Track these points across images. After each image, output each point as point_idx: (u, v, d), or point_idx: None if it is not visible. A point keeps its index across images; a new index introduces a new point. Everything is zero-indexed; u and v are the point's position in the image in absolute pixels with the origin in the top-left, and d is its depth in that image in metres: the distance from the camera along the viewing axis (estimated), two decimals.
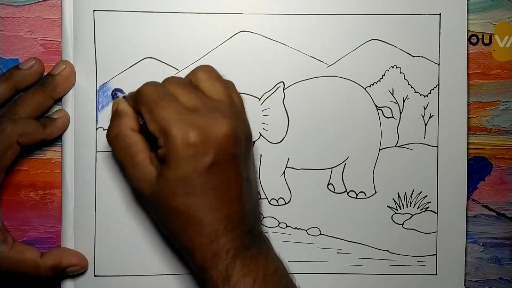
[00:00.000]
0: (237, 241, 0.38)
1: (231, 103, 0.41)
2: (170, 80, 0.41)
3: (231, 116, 0.39)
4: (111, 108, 0.43)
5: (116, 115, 0.41)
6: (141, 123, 0.41)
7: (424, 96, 0.47)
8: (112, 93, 0.45)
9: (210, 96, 0.41)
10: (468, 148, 0.47)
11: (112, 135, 0.41)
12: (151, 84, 0.40)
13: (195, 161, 0.37)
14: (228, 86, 0.42)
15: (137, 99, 0.40)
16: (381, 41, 0.46)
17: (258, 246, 0.40)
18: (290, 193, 0.47)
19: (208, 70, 0.42)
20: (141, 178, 0.40)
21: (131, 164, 0.40)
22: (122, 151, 0.40)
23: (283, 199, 0.47)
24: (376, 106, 0.47)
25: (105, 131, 0.45)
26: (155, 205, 0.40)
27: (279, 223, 0.47)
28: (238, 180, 0.39)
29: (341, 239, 0.47)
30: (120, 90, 0.45)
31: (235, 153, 0.39)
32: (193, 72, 0.42)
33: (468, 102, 0.47)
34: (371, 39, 0.46)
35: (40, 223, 0.47)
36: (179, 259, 0.46)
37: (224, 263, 0.38)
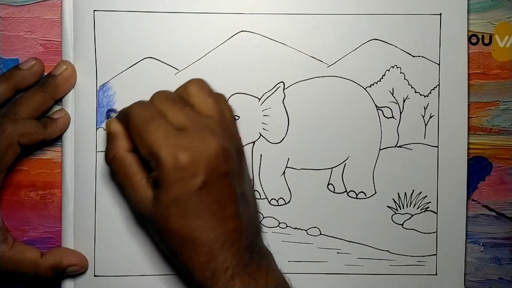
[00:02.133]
0: (235, 259, 0.38)
1: (222, 119, 0.41)
2: (158, 96, 0.41)
3: (221, 132, 0.39)
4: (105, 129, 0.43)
5: (110, 137, 0.41)
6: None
7: (424, 96, 0.47)
8: (106, 114, 0.45)
9: (200, 111, 0.40)
10: (468, 148, 0.47)
11: (109, 158, 0.41)
12: (138, 106, 0.40)
13: (186, 183, 0.37)
14: (219, 100, 0.42)
15: (126, 122, 0.40)
16: (381, 41, 0.46)
17: (258, 262, 0.39)
18: (290, 193, 0.47)
19: (199, 84, 0.42)
20: (138, 200, 0.40)
21: (128, 186, 0.40)
22: (119, 173, 0.41)
23: (283, 199, 0.47)
24: (376, 106, 0.47)
25: (105, 131, 0.46)
26: (153, 226, 0.40)
27: (279, 223, 0.47)
28: (232, 197, 0.39)
29: (341, 239, 0.47)
30: (114, 110, 0.45)
31: (226, 170, 0.38)
32: (184, 86, 0.42)
33: (468, 102, 0.47)
34: (371, 39, 0.46)
35: (40, 223, 0.47)
36: None
37: (223, 282, 0.38)
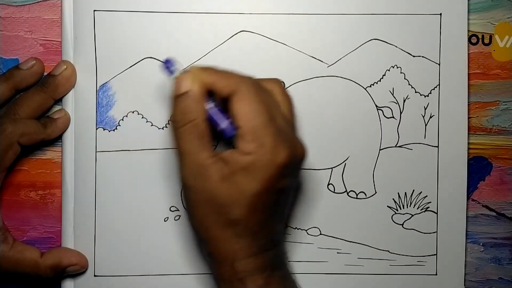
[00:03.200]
0: (270, 261, 0.38)
1: (294, 124, 0.41)
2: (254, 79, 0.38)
3: (297, 139, 0.39)
4: (173, 85, 0.37)
5: (187, 97, 0.36)
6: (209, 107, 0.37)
7: (425, 96, 0.47)
8: (165, 65, 0.38)
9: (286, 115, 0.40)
10: (468, 148, 0.47)
11: (183, 122, 0.36)
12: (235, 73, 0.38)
13: (277, 182, 0.36)
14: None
15: (224, 83, 0.37)
16: (382, 41, 0.46)
17: (282, 277, 0.39)
18: None
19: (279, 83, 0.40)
20: (200, 177, 0.36)
21: (192, 160, 0.36)
22: (191, 143, 0.36)
23: None
24: (376, 106, 0.47)
25: (105, 131, 0.45)
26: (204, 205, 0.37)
27: None
28: (285, 209, 0.40)
29: (341, 239, 0.47)
30: (172, 62, 0.39)
31: (296, 182, 0.40)
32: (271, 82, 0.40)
33: (468, 102, 0.47)
34: (372, 39, 0.46)
35: (40, 223, 0.47)
36: (179, 259, 0.46)
37: (263, 276, 0.38)
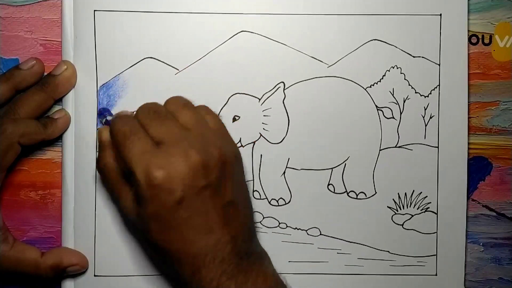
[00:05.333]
0: (220, 270, 0.38)
1: (201, 130, 0.40)
2: (143, 108, 0.41)
3: (200, 144, 0.39)
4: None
5: (100, 146, 0.42)
6: None
7: (425, 97, 0.47)
8: (99, 112, 0.45)
9: (184, 124, 0.40)
10: (468, 148, 0.47)
11: (99, 167, 0.42)
12: (119, 119, 0.41)
13: (161, 200, 0.37)
14: (198, 111, 0.42)
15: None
16: (382, 41, 0.46)
17: (246, 269, 0.38)
18: (290, 193, 0.47)
19: (174, 99, 0.42)
20: (125, 210, 0.41)
21: (116, 195, 0.41)
22: (108, 182, 0.42)
23: (283, 199, 0.47)
24: (376, 106, 0.47)
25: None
26: (139, 236, 0.43)
27: (279, 224, 0.47)
28: (215, 208, 0.38)
29: (341, 239, 0.47)
30: (107, 110, 0.45)
31: (206, 184, 0.38)
32: (167, 101, 0.42)
33: (468, 102, 0.47)
34: (372, 40, 0.46)
35: (40, 223, 0.47)
36: None
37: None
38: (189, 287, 0.38)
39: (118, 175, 0.41)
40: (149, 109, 0.41)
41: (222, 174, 0.39)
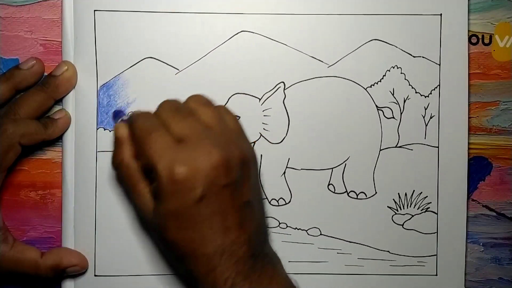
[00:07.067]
0: (235, 269, 0.37)
1: (223, 129, 0.40)
2: (164, 105, 0.41)
3: (222, 143, 0.39)
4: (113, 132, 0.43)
5: (117, 142, 0.41)
6: None
7: (425, 97, 0.47)
8: (113, 114, 0.45)
9: (205, 122, 0.40)
10: (468, 148, 0.47)
11: (115, 163, 0.41)
12: (141, 116, 0.41)
13: (183, 197, 0.37)
14: (220, 110, 0.42)
15: (131, 131, 0.41)
16: (382, 41, 0.46)
17: (261, 270, 0.39)
18: (291, 193, 0.47)
19: (196, 98, 0.42)
20: (141, 207, 0.40)
21: (132, 192, 0.41)
22: (124, 179, 0.41)
23: (283, 199, 0.47)
24: (376, 106, 0.47)
25: (106, 131, 0.46)
26: (154, 234, 0.41)
27: (279, 224, 0.47)
28: (233, 208, 0.38)
29: (341, 239, 0.47)
30: (122, 112, 0.45)
31: (227, 182, 0.38)
32: (188, 99, 0.42)
33: (468, 102, 0.47)
34: (372, 39, 0.46)
35: (40, 223, 0.47)
36: None
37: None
38: (200, 286, 0.38)
39: (135, 171, 0.40)
40: (171, 106, 0.41)
41: (242, 174, 0.39)
